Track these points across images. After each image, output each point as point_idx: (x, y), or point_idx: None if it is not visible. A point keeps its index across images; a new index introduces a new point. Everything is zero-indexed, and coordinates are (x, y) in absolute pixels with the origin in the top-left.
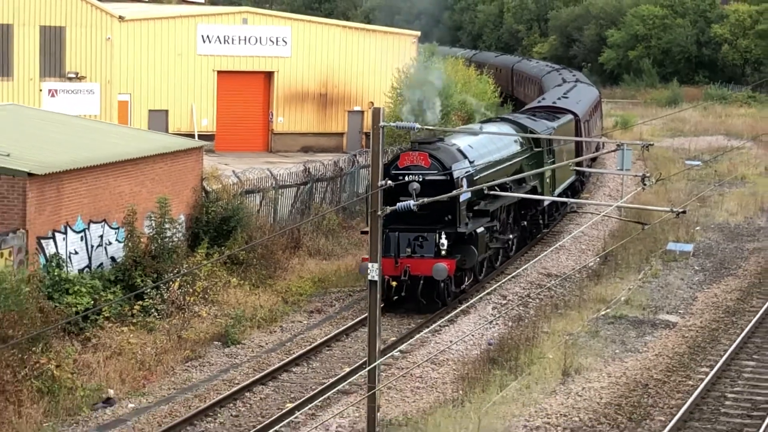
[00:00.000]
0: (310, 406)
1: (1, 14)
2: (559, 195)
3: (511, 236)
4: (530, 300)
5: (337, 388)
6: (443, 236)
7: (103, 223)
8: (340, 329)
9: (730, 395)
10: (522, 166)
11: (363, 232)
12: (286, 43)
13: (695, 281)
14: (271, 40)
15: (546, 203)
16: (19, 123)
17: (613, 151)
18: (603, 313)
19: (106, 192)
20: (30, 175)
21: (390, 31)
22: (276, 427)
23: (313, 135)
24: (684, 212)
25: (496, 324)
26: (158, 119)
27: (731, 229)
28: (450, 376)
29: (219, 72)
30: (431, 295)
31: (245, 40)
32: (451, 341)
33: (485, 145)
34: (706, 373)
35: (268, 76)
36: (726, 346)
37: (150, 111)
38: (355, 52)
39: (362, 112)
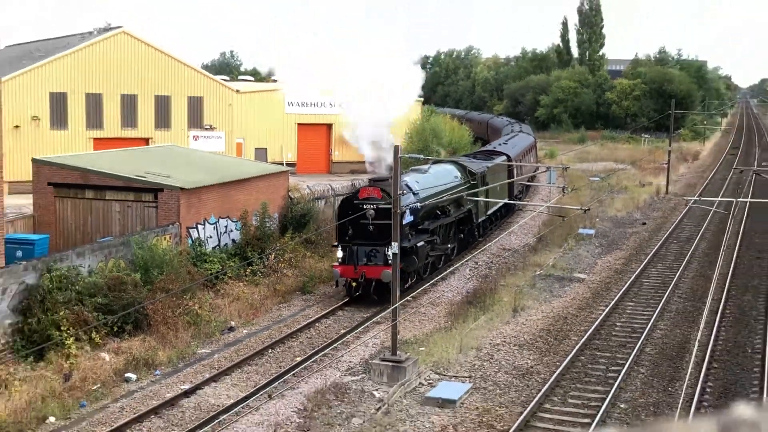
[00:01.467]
0: (356, 331)
1: (163, 89)
2: (493, 214)
3: (450, 246)
4: (493, 264)
5: (372, 320)
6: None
7: (227, 218)
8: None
9: (618, 324)
10: (462, 195)
11: (334, 246)
12: (340, 105)
13: (596, 252)
14: (330, 104)
15: (480, 220)
16: (175, 156)
17: (544, 171)
18: (538, 272)
19: (229, 199)
20: (182, 189)
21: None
22: (334, 345)
23: (358, 162)
24: (588, 209)
25: (472, 279)
26: (261, 154)
27: (618, 219)
28: (443, 313)
29: (299, 124)
30: (383, 293)
31: (315, 104)
32: (443, 291)
33: (431, 182)
34: (603, 310)
35: (329, 126)
36: (615, 293)
37: (256, 148)
38: None
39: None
